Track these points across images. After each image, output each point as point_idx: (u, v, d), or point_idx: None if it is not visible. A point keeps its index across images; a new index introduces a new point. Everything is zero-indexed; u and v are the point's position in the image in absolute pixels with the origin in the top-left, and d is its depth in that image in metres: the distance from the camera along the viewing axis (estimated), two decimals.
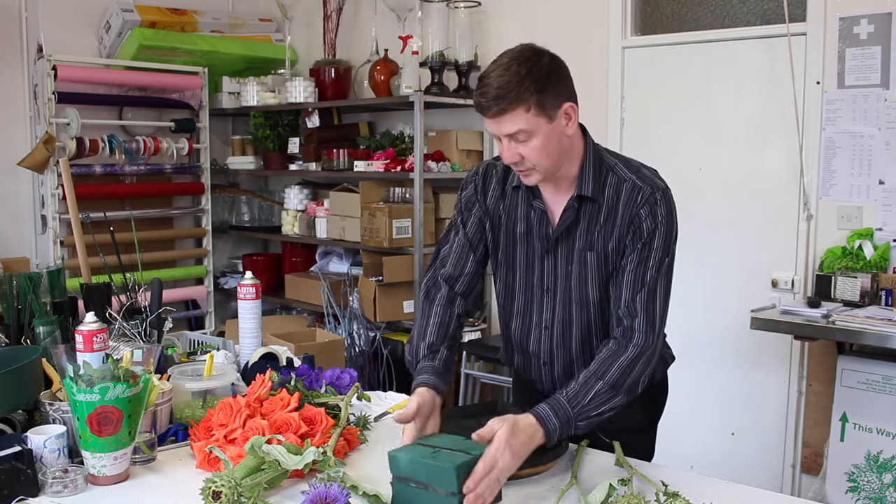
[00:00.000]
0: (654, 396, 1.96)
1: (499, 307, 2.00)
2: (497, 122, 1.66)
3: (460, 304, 1.88)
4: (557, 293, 1.84)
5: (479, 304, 2.00)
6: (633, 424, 1.89)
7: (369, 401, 2.06)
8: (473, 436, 1.51)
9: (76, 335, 1.72)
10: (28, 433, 1.58)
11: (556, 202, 1.82)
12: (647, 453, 1.94)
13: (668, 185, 1.80)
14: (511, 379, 2.18)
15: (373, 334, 4.13)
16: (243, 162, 5.02)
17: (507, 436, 1.49)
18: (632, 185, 1.77)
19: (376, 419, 1.97)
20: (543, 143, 1.68)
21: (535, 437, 1.57)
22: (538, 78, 1.64)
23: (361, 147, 4.48)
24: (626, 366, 1.68)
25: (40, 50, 4.20)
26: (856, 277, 3.09)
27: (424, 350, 1.81)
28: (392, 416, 1.96)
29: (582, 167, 1.78)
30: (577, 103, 1.73)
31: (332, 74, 4.62)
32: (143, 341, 2.06)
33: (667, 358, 1.98)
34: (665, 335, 1.84)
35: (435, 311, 1.85)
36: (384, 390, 2.40)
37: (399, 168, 4.12)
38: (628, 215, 1.75)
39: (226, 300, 5.17)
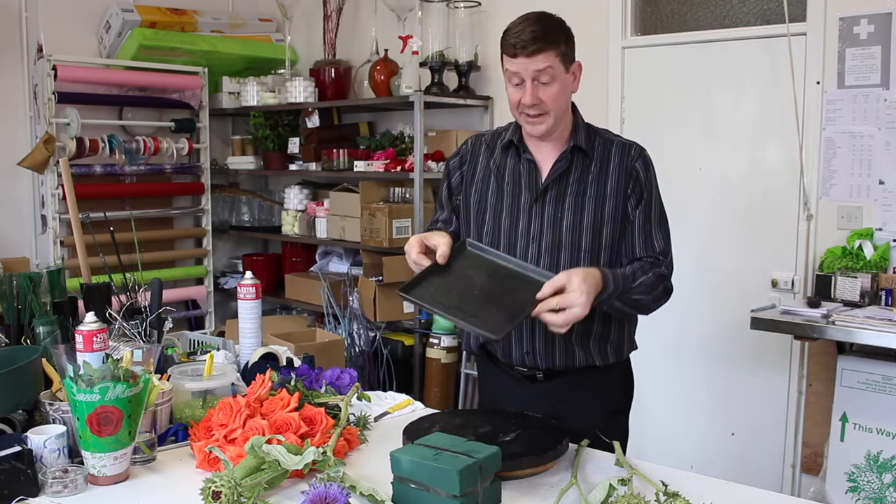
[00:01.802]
0: (625, 376, 2.12)
1: None
2: (531, 60, 1.86)
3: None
4: (543, 242, 1.97)
5: None
6: (613, 406, 2.07)
7: (369, 401, 2.06)
8: (539, 293, 1.74)
9: (76, 335, 1.72)
10: (28, 433, 1.58)
11: (547, 156, 2.00)
12: (623, 437, 2.07)
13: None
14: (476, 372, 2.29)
15: (373, 334, 4.13)
16: (243, 162, 5.02)
17: (581, 279, 1.74)
18: (620, 144, 2.01)
19: (376, 419, 1.97)
20: (560, 90, 1.90)
21: (597, 290, 1.79)
22: (565, 31, 1.92)
23: (361, 147, 4.49)
24: (661, 275, 1.95)
25: (40, 50, 4.20)
26: (856, 277, 3.09)
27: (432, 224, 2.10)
28: (394, 415, 1.97)
29: (574, 126, 2.01)
30: (581, 65, 1.96)
31: (332, 74, 4.62)
32: (143, 341, 2.06)
33: (633, 343, 2.12)
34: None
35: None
36: (384, 390, 2.41)
37: (399, 168, 4.12)
38: (625, 169, 1.97)
39: (226, 300, 5.17)
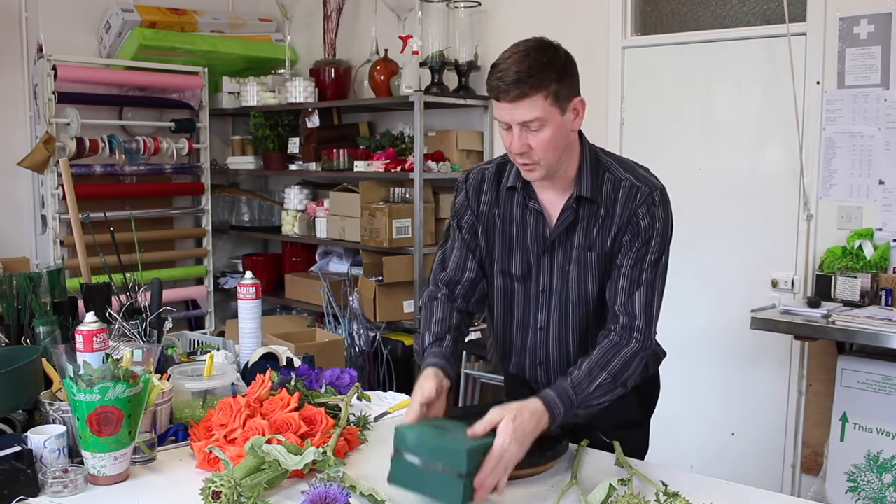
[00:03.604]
0: (647, 392, 1.98)
1: (490, 310, 1.98)
2: (514, 106, 1.64)
3: (462, 304, 1.88)
4: (553, 294, 1.84)
5: (483, 306, 1.99)
6: (628, 419, 1.91)
7: (369, 401, 2.06)
8: (471, 430, 1.51)
9: (76, 335, 1.72)
10: (28, 433, 1.58)
11: (553, 203, 1.81)
12: (641, 449, 1.96)
13: (664, 183, 1.80)
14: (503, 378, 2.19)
15: (373, 334, 4.13)
16: (243, 162, 5.02)
17: (511, 427, 1.50)
18: (629, 184, 1.77)
19: (376, 419, 1.97)
20: (553, 135, 1.67)
21: (541, 422, 1.58)
22: (558, 67, 1.65)
23: (361, 147, 4.48)
24: (628, 359, 1.70)
25: (40, 50, 4.20)
26: (856, 277, 3.08)
27: (430, 339, 1.81)
28: (394, 415, 1.96)
29: (580, 168, 1.78)
30: (584, 101, 1.74)
31: (332, 74, 4.61)
32: (143, 341, 2.06)
33: (659, 353, 1.99)
34: (655, 332, 1.84)
35: (437, 307, 1.86)
36: (384, 390, 2.40)
37: (399, 168, 4.12)
38: (626, 214, 1.75)
39: (226, 300, 5.17)
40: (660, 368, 2.03)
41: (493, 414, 1.53)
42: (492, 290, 1.93)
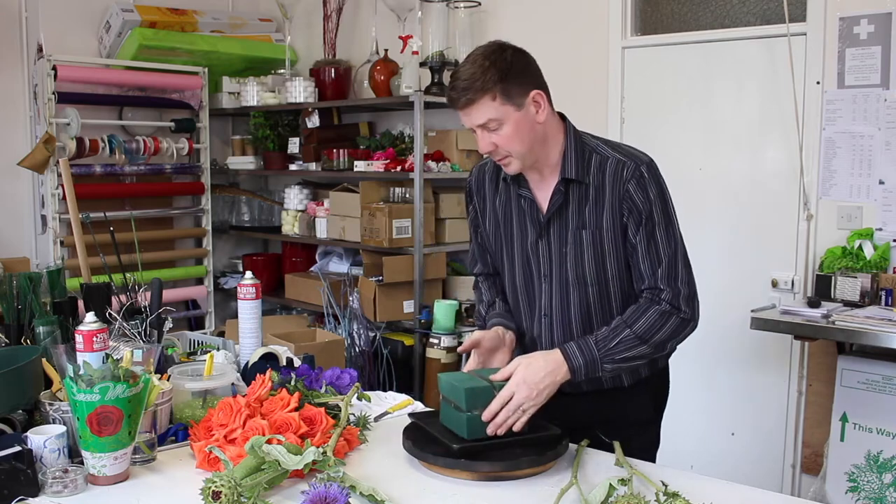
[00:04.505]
0: (658, 385, 2.02)
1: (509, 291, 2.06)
2: (467, 113, 1.76)
3: (501, 283, 2.06)
4: (553, 278, 1.90)
5: None
6: (641, 416, 1.95)
7: (369, 401, 2.06)
8: (492, 377, 1.74)
9: (76, 335, 1.72)
10: (28, 433, 1.58)
11: (542, 189, 1.89)
12: (653, 445, 1.98)
13: (653, 158, 1.87)
14: None
15: (373, 334, 4.13)
16: (243, 162, 5.01)
17: (522, 372, 1.70)
18: (615, 161, 1.83)
19: (376, 419, 1.97)
20: (515, 131, 1.76)
21: (558, 370, 1.73)
22: (501, 68, 1.73)
23: (361, 147, 4.48)
24: (654, 319, 1.78)
25: (40, 50, 4.20)
26: (856, 277, 3.08)
27: (485, 308, 2.03)
28: (394, 415, 1.97)
29: (564, 153, 1.85)
30: (546, 91, 1.81)
31: (332, 74, 4.61)
32: (143, 341, 2.06)
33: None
34: (696, 299, 1.88)
35: (485, 286, 2.07)
36: (384, 390, 2.40)
37: (399, 168, 4.12)
38: (618, 192, 1.81)
39: (226, 300, 5.17)
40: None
41: (514, 362, 1.73)
42: (503, 282, 2.03)
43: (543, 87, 1.80)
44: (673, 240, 1.83)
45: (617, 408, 1.88)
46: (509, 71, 1.73)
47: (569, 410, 1.85)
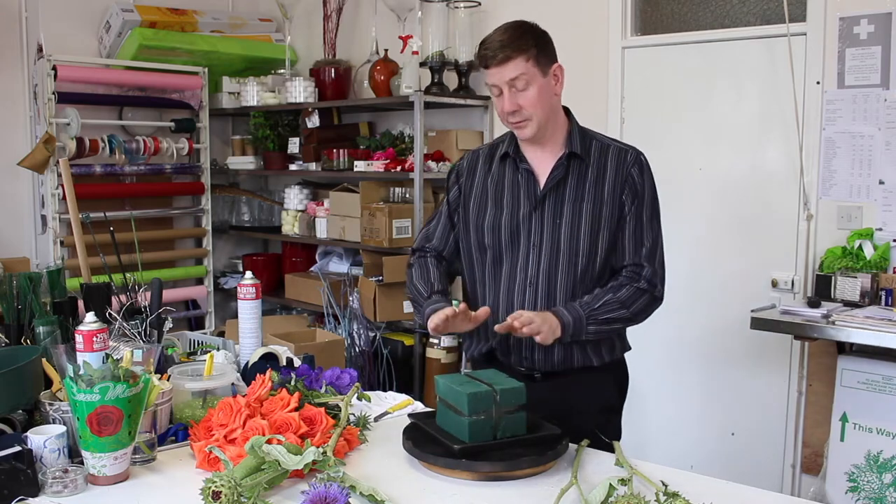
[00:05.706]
0: (620, 374, 2.17)
1: (475, 282, 2.13)
2: (501, 69, 1.92)
3: (446, 266, 2.18)
4: (543, 248, 2.01)
5: (453, 279, 2.29)
6: (608, 402, 2.11)
7: (369, 401, 2.06)
8: (497, 327, 1.88)
9: (76, 335, 1.72)
10: (28, 433, 1.58)
11: (543, 163, 2.04)
12: (617, 433, 2.11)
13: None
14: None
15: (373, 334, 4.13)
16: (243, 162, 5.02)
17: (533, 314, 1.87)
18: (617, 149, 2.04)
19: (376, 419, 1.97)
20: (539, 94, 1.95)
21: (551, 318, 1.90)
22: (536, 35, 1.96)
23: (361, 147, 4.48)
24: (634, 292, 1.98)
25: (40, 50, 4.20)
26: (856, 277, 3.08)
27: (433, 287, 2.08)
28: (394, 415, 1.97)
29: (570, 132, 2.05)
30: (562, 67, 2.00)
31: (332, 74, 4.61)
32: (143, 341, 2.06)
33: (626, 343, 2.16)
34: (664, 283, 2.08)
35: (431, 264, 2.15)
36: (384, 390, 2.40)
37: (399, 168, 4.12)
38: (622, 174, 2.01)
39: (226, 300, 5.17)
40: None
41: (516, 313, 1.87)
42: (480, 254, 2.09)
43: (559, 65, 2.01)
44: (658, 225, 2.04)
45: (588, 392, 2.04)
46: (541, 40, 1.96)
47: (547, 394, 1.97)
